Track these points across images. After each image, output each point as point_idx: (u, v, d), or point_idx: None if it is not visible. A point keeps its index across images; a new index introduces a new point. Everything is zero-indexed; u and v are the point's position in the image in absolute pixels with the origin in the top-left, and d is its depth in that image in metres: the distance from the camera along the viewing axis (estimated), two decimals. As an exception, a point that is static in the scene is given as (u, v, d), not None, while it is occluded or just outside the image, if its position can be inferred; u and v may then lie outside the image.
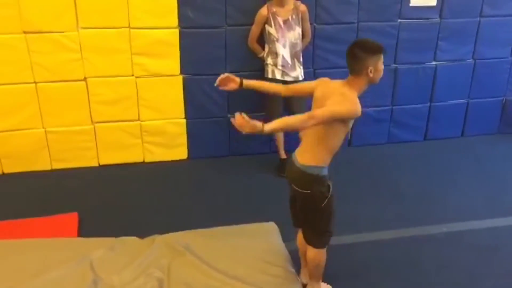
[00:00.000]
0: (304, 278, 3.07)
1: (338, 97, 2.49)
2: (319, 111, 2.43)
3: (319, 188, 2.64)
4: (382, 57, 2.51)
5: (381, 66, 2.52)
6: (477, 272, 3.26)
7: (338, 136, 2.58)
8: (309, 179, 2.63)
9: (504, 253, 3.46)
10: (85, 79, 4.34)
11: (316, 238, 2.80)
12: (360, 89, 2.55)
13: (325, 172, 2.65)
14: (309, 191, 2.65)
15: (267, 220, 3.50)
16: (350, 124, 2.59)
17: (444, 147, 5.16)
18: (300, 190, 2.68)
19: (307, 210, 2.74)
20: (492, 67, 5.17)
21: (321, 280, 2.97)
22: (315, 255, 2.83)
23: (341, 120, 2.50)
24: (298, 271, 3.06)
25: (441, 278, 3.20)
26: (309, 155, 2.63)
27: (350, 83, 2.54)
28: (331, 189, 2.66)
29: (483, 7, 4.89)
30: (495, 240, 3.61)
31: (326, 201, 2.65)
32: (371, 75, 2.48)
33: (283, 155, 4.61)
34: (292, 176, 2.71)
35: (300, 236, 2.94)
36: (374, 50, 2.49)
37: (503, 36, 5.07)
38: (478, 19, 4.94)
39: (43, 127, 4.41)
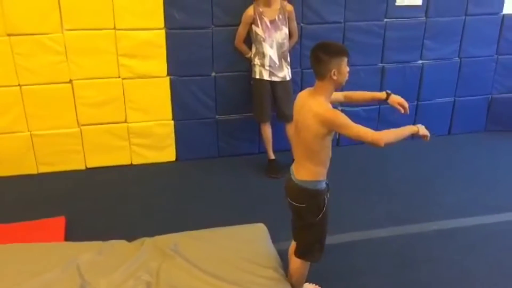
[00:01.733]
0: None
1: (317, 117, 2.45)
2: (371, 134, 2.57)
3: (315, 201, 2.61)
4: (345, 59, 2.45)
5: (345, 69, 2.46)
6: (468, 268, 3.28)
7: (326, 148, 2.56)
8: (305, 194, 2.61)
9: (494, 249, 3.48)
10: (70, 81, 4.30)
11: (307, 251, 2.77)
12: (327, 94, 2.51)
13: (321, 185, 2.62)
14: (304, 205, 2.63)
15: (256, 221, 3.48)
16: (333, 133, 2.56)
17: (432, 145, 5.14)
18: (295, 204, 2.66)
19: (301, 223, 2.72)
20: (478, 65, 5.21)
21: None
22: (299, 266, 2.83)
23: (327, 133, 2.49)
24: (287, 273, 3.04)
25: (433, 275, 3.21)
26: (304, 171, 2.59)
27: (317, 90, 2.51)
28: (326, 203, 2.62)
29: (468, 5, 4.93)
30: (485, 236, 3.63)
31: (321, 215, 2.62)
32: (334, 77, 2.43)
33: (271, 155, 4.60)
34: (289, 191, 2.69)
35: (292, 248, 2.91)
36: (336, 52, 2.44)
37: (488, 34, 5.11)
38: (464, 17, 4.97)
39: (28, 130, 4.36)
